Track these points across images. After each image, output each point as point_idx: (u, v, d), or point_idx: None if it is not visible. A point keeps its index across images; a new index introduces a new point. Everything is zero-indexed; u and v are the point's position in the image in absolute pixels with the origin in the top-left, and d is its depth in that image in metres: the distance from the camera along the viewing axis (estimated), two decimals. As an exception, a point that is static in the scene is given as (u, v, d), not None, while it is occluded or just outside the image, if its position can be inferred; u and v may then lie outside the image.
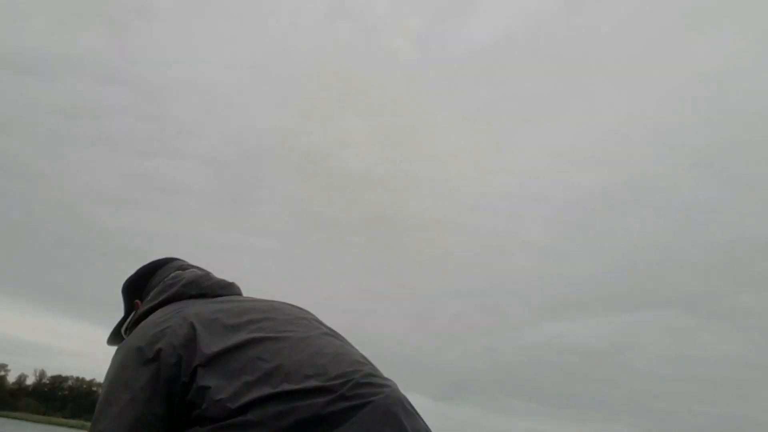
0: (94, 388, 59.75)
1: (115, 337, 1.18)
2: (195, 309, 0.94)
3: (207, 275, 1.08)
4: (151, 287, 1.10)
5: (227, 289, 1.06)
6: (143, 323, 0.95)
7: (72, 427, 44.04)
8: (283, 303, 1.00)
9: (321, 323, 0.96)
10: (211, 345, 0.84)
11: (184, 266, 1.14)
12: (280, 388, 0.76)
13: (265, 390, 0.77)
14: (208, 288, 1.04)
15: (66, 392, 58.00)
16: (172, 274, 1.09)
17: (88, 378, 59.87)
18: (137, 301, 1.12)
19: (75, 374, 60.73)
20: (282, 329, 0.88)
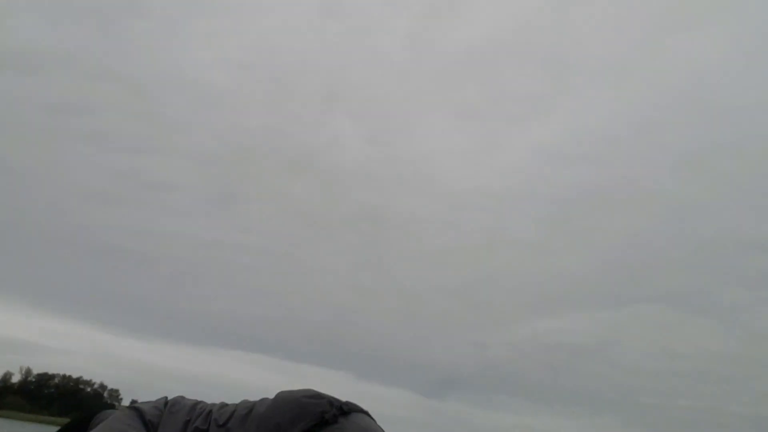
0: (81, 386, 59.49)
1: None
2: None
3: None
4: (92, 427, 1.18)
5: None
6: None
7: (59, 425, 43.80)
8: None
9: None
10: None
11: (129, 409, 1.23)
12: None
13: None
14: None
15: (52, 390, 57.69)
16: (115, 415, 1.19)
17: (75, 376, 59.66)
18: None
19: (62, 372, 60.45)
20: None
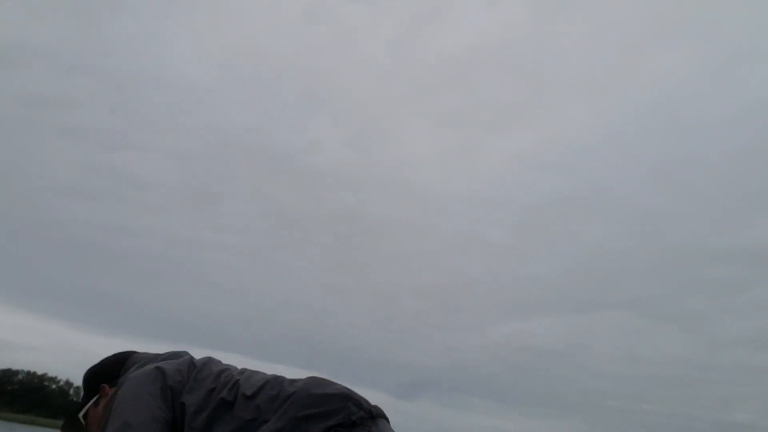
0: (46, 383, 58.31)
1: (72, 424, 1.28)
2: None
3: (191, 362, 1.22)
4: (124, 371, 1.20)
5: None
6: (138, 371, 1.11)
7: (22, 422, 43.07)
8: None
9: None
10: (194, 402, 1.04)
11: (149, 358, 1.25)
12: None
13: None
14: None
15: (16, 387, 56.45)
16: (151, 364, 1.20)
17: (39, 372, 58.49)
18: (104, 385, 1.23)
19: (26, 368, 59.20)
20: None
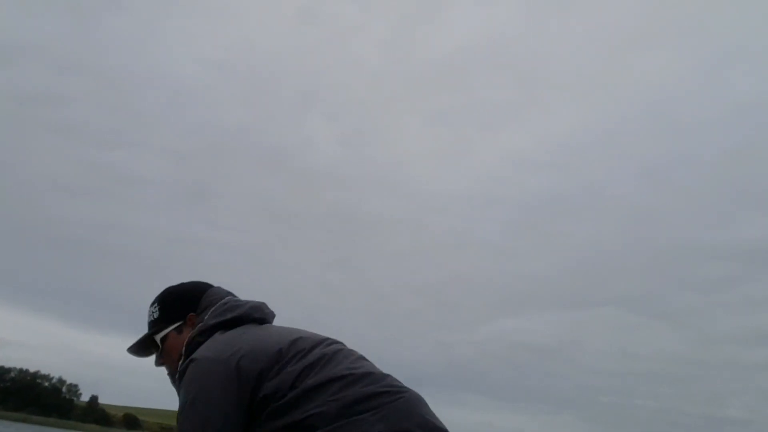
0: (39, 380, 58.16)
1: (144, 345, 1.23)
2: (267, 333, 1.08)
3: (265, 304, 1.21)
4: (206, 304, 1.18)
5: (274, 319, 1.21)
6: (218, 338, 1.07)
7: (15, 420, 43.03)
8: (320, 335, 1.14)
9: (353, 351, 1.12)
10: (288, 371, 0.99)
11: (230, 293, 1.24)
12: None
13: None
14: (267, 315, 1.19)
15: (8, 384, 56.35)
16: (231, 297, 1.20)
17: (32, 370, 58.36)
18: (192, 314, 1.18)
19: (18, 366, 59.03)
20: (346, 363, 1.04)
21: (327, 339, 1.12)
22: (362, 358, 1.10)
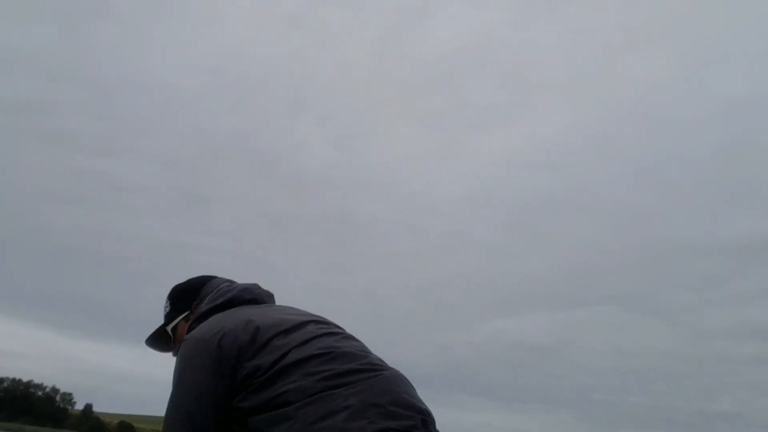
0: (32, 390, 57.72)
1: (158, 338, 1.34)
2: (253, 312, 1.12)
3: (257, 285, 1.28)
4: (205, 294, 1.27)
5: (271, 298, 1.27)
6: (205, 322, 1.13)
7: (9, 430, 42.62)
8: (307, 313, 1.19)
9: (342, 330, 1.15)
10: (270, 348, 1.02)
11: (230, 280, 1.31)
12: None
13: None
14: (258, 295, 1.24)
15: (2, 394, 55.85)
16: (225, 283, 1.28)
17: (25, 379, 57.86)
18: (196, 303, 1.28)
19: (11, 375, 58.53)
20: (334, 343, 1.06)
21: (316, 318, 1.16)
22: (350, 337, 1.13)
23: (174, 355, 1.28)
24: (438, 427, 1.04)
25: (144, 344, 1.36)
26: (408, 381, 1.06)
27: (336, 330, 1.14)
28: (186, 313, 1.31)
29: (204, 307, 1.23)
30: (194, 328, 1.17)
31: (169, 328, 1.32)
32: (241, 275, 1.33)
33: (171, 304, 1.34)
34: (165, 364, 1.23)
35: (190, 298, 1.32)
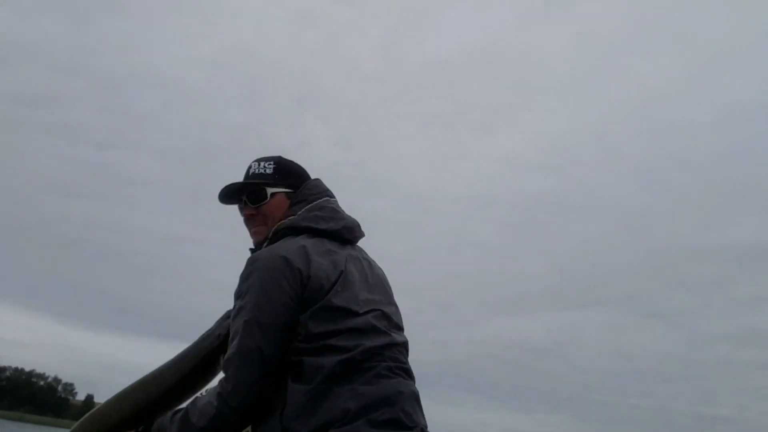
0: (34, 379, 58.33)
1: (242, 190, 1.25)
2: (350, 264, 1.15)
3: (358, 225, 1.27)
4: (305, 194, 1.23)
5: (362, 237, 1.28)
6: (296, 242, 1.12)
7: (10, 419, 43.24)
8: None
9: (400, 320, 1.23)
10: (339, 297, 1.08)
11: (329, 193, 1.28)
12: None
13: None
14: (354, 238, 1.25)
15: (4, 383, 56.51)
16: (327, 201, 1.24)
17: (27, 369, 58.49)
18: (294, 191, 1.23)
19: (14, 365, 59.20)
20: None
21: (391, 301, 1.22)
22: (401, 328, 1.21)
23: (248, 217, 1.24)
24: (436, 425, 1.12)
25: (218, 200, 1.27)
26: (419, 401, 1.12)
27: (394, 320, 1.19)
28: (290, 191, 1.24)
29: (302, 219, 1.18)
30: (282, 233, 1.16)
31: (270, 191, 1.24)
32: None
33: (276, 169, 1.26)
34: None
35: (297, 179, 1.27)
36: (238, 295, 1.09)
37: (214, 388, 1.05)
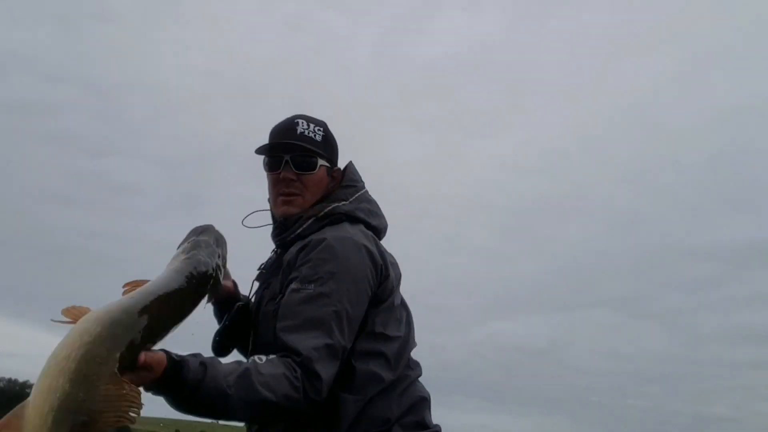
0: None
1: (278, 148, 1.15)
2: (393, 262, 1.16)
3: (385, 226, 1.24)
4: (351, 180, 1.19)
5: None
6: (368, 234, 1.10)
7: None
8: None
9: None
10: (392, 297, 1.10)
11: (362, 185, 1.24)
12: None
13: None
14: (382, 234, 1.22)
15: (-3, 395, 55.86)
16: (369, 196, 1.21)
17: (21, 379, 57.89)
18: (338, 169, 1.18)
19: (7, 376, 58.55)
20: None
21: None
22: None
23: (286, 180, 1.12)
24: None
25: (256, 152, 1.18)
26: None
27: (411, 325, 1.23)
28: (328, 167, 1.17)
29: (358, 210, 1.13)
30: (338, 217, 1.10)
31: (319, 162, 1.14)
32: (241, 276, 1.28)
33: (326, 140, 1.18)
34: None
35: (336, 158, 1.20)
36: (313, 278, 0.98)
37: (286, 361, 0.93)
